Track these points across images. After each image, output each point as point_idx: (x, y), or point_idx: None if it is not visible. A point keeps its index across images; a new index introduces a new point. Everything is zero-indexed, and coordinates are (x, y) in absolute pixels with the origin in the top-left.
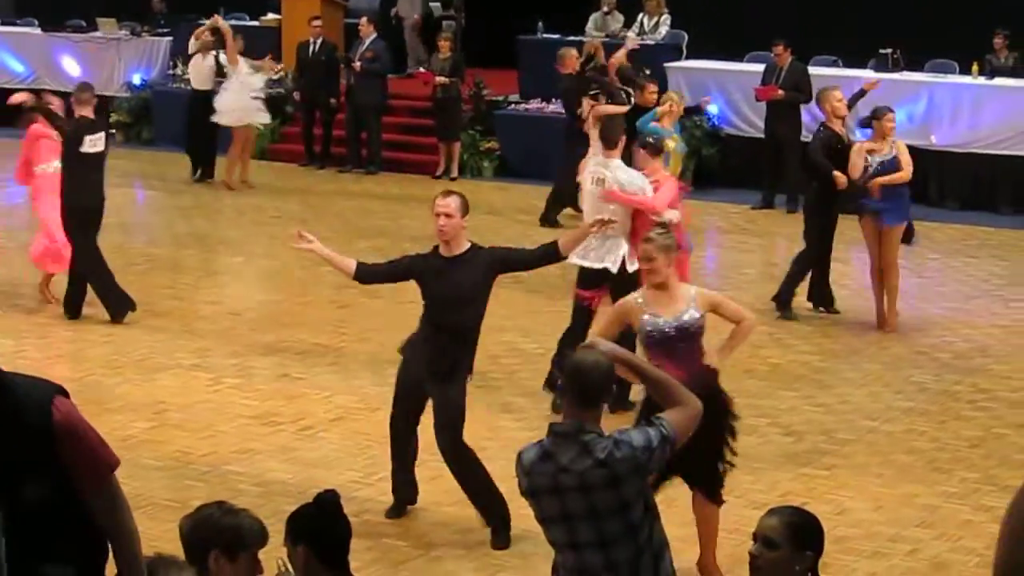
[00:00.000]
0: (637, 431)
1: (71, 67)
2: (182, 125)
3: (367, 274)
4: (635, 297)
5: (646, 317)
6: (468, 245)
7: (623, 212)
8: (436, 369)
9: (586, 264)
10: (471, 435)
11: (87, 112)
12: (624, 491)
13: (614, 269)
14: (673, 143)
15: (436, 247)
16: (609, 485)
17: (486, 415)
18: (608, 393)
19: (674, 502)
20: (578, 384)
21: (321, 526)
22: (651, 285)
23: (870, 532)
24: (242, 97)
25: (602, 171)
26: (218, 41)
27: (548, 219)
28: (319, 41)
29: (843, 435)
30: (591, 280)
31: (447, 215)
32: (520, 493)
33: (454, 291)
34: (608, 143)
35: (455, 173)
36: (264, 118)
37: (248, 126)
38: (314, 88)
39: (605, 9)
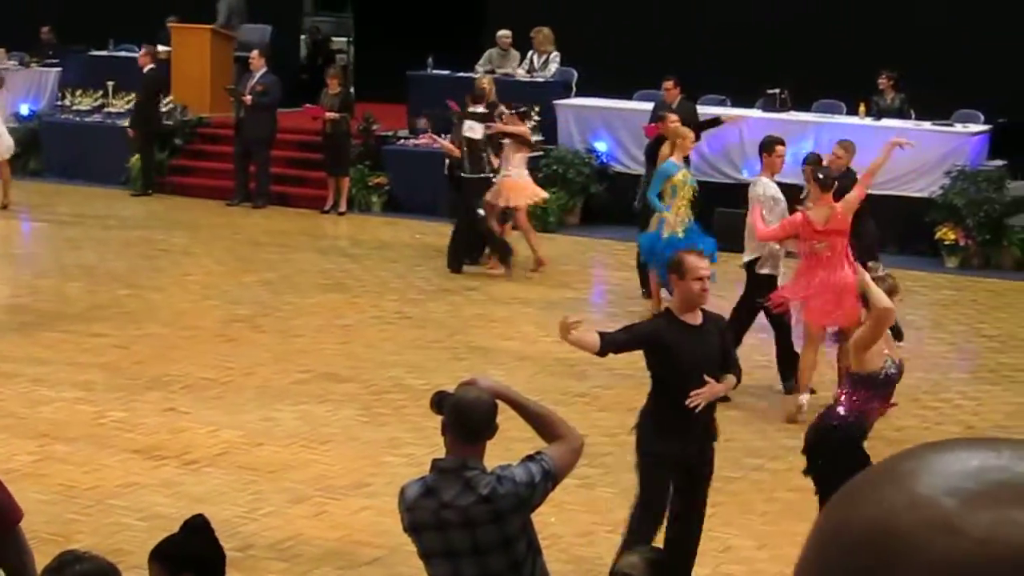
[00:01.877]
0: (520, 466)
1: None
2: (71, 156)
3: (610, 344)
4: None
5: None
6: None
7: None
8: (700, 444)
9: (765, 271)
10: (357, 471)
11: None
12: (507, 527)
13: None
14: (682, 176)
15: (666, 312)
16: (492, 521)
17: (371, 451)
18: (490, 429)
19: (559, 539)
20: (461, 421)
21: (203, 549)
22: None
23: (754, 569)
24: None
25: (750, 189)
26: None
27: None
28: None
29: (728, 472)
30: (769, 286)
31: (708, 278)
32: (403, 529)
33: (706, 360)
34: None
35: (343, 208)
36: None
37: None
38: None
39: (501, 47)
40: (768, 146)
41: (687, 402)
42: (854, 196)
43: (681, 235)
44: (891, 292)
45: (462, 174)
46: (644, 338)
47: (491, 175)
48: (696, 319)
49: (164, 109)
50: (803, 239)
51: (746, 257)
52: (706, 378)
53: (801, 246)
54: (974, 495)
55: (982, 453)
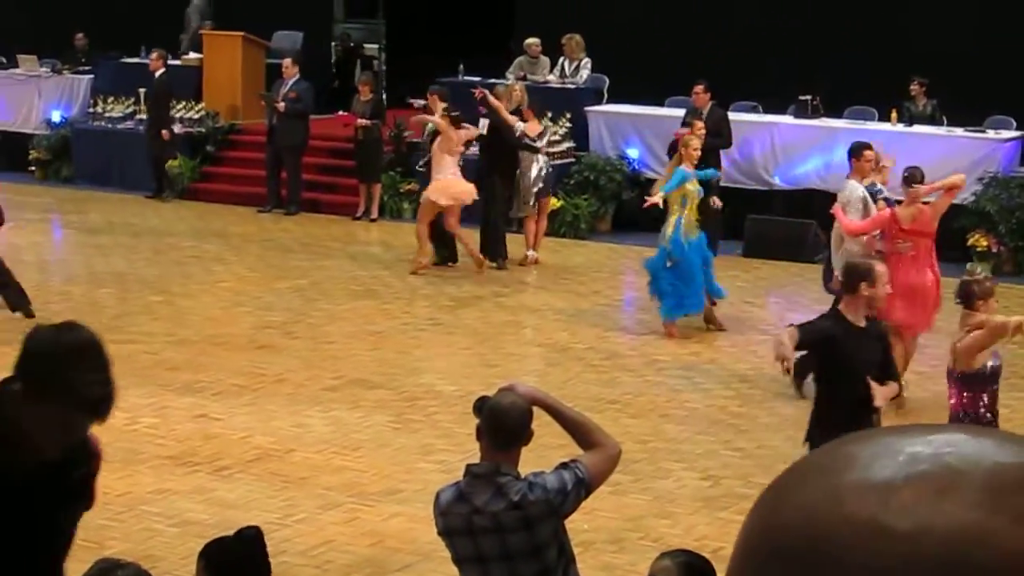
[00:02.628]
0: (553, 474)
1: None
2: (102, 162)
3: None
4: None
5: None
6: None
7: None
8: None
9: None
10: (389, 477)
11: None
12: (537, 534)
13: None
14: (692, 187)
15: (835, 312)
16: (522, 527)
17: (403, 457)
18: (523, 435)
19: (591, 546)
20: (494, 426)
21: (247, 561)
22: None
23: None
24: None
25: (840, 193)
26: None
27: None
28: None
29: (760, 479)
30: None
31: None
32: (437, 533)
33: (869, 363)
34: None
35: (375, 214)
36: None
37: None
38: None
39: (530, 55)
40: (857, 151)
41: (874, 402)
42: (943, 202)
43: (694, 237)
44: (988, 295)
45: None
46: (817, 337)
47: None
48: (861, 322)
49: (176, 114)
50: (888, 238)
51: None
52: (869, 381)
53: (886, 245)
54: (901, 487)
55: (912, 441)
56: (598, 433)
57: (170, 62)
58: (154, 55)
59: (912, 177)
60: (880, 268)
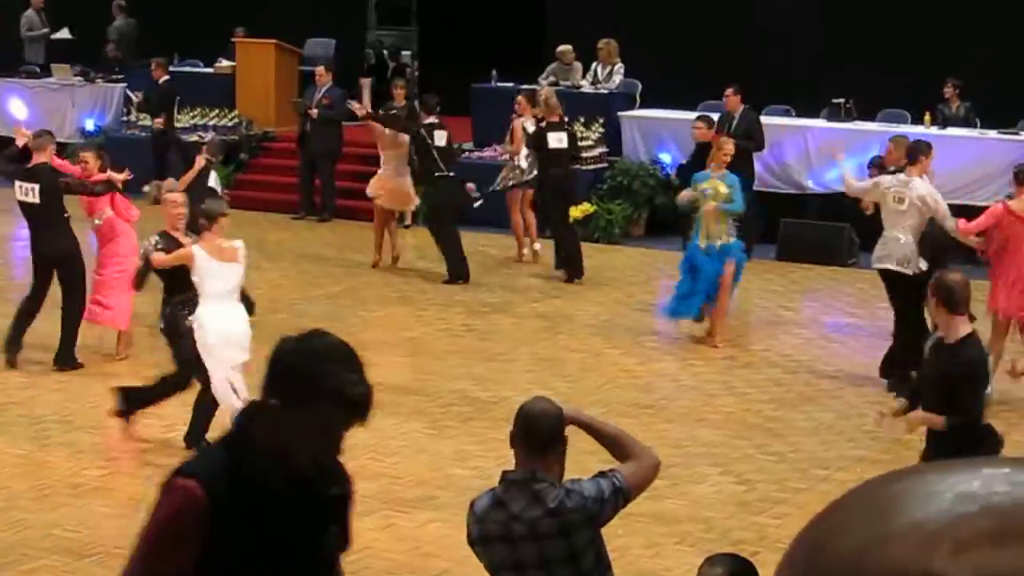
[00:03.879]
0: (590, 481)
1: (19, 112)
2: (135, 171)
3: None
4: None
5: None
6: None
7: (917, 219)
8: None
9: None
10: (425, 484)
11: (42, 158)
12: (575, 541)
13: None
14: (703, 187)
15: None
16: (560, 534)
17: (439, 463)
18: (557, 441)
19: (627, 551)
20: (527, 432)
21: None
22: None
23: None
24: None
25: (903, 190)
26: None
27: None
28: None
29: (795, 484)
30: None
31: None
32: (468, 542)
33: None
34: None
35: (409, 221)
36: None
37: None
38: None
39: (563, 61)
40: (924, 148)
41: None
42: None
43: (718, 244)
44: None
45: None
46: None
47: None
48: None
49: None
50: (1002, 229)
51: (923, 265)
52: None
53: (996, 235)
54: (950, 533)
55: (958, 479)
56: (636, 446)
57: (203, 70)
58: (155, 64)
59: (1019, 173)
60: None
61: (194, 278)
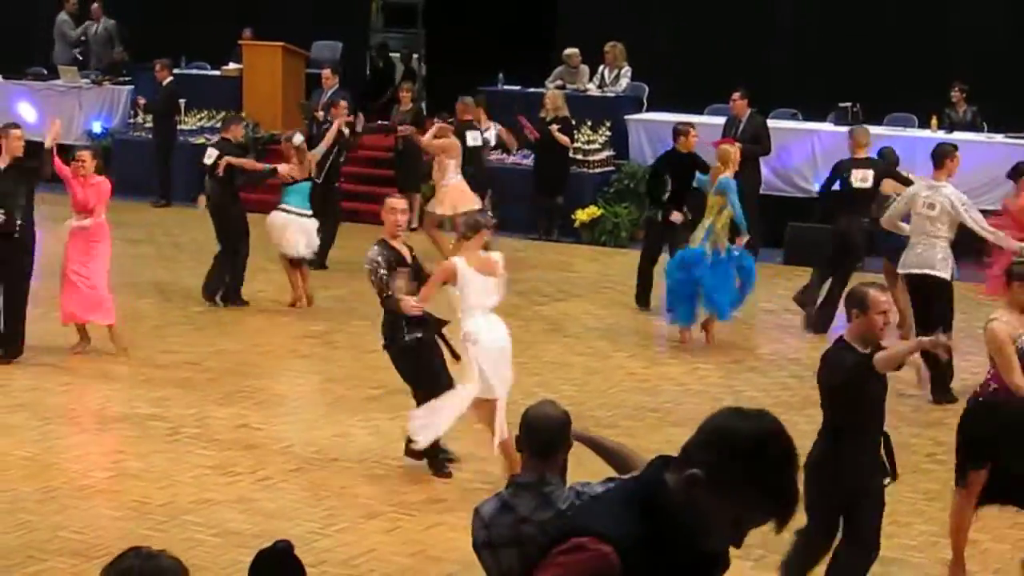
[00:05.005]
0: (600, 484)
1: (27, 114)
2: (142, 173)
3: None
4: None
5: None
6: None
7: (948, 223)
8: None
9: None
10: (431, 487)
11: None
12: None
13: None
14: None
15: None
16: None
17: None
18: (562, 444)
19: None
20: (532, 436)
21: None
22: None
23: None
24: None
25: (933, 196)
26: None
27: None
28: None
29: (800, 487)
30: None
31: (889, 312)
32: (474, 546)
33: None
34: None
35: (415, 224)
36: None
37: None
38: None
39: (569, 65)
40: (950, 152)
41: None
42: None
43: (724, 252)
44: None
45: None
46: None
47: None
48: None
49: (187, 126)
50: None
51: (944, 274)
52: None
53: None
54: None
55: None
56: (640, 459)
57: (210, 72)
58: (159, 65)
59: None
60: (872, 294)
61: (454, 291)
